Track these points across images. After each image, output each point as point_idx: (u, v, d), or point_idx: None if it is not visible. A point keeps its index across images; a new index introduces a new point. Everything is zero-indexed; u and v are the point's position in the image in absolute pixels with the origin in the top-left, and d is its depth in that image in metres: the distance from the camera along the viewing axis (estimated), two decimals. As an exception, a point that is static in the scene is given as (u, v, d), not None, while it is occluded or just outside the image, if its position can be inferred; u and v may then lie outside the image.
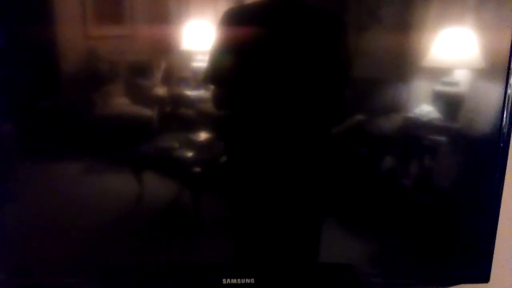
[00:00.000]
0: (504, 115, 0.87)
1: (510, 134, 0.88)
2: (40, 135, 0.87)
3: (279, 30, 0.84)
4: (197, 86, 0.86)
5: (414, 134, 0.90)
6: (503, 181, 0.91)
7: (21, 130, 0.87)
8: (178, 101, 0.88)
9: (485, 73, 0.87)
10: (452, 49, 0.85)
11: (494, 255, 0.95)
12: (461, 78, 0.87)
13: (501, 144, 0.89)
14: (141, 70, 0.87)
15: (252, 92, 0.88)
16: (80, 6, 0.83)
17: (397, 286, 1.01)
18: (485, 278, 0.96)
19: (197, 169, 0.93)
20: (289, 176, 0.91)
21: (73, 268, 0.93)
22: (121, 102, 0.88)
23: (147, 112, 0.89)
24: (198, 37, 0.84)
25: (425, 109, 0.88)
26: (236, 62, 0.85)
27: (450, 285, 0.98)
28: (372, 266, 0.98)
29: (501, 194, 0.91)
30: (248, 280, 0.93)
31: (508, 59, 0.84)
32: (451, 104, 0.88)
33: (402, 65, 0.86)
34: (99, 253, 0.93)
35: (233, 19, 0.82)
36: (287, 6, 0.84)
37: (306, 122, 0.90)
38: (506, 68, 0.84)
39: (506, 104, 0.86)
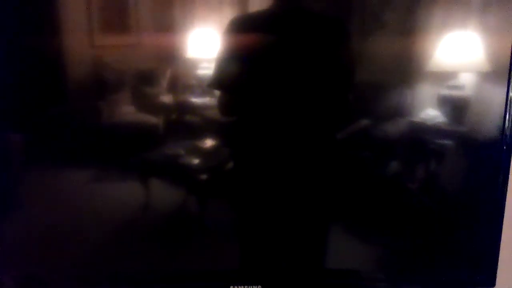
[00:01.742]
0: (507, 118, 0.87)
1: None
2: (48, 143, 0.87)
3: (284, 37, 0.85)
4: (202, 93, 0.87)
5: (420, 138, 0.90)
6: (507, 184, 0.91)
7: (29, 138, 0.87)
8: (183, 108, 0.88)
9: (489, 76, 0.87)
10: (456, 53, 0.86)
11: (500, 259, 0.95)
12: (466, 81, 0.87)
13: (504, 147, 0.89)
14: (147, 78, 0.88)
15: (258, 98, 0.88)
16: (86, 15, 0.83)
17: (402, 291, 1.02)
18: (491, 282, 0.96)
19: (203, 176, 0.94)
20: (295, 181, 0.92)
21: (80, 274, 0.93)
22: (127, 110, 0.88)
23: (153, 119, 0.89)
24: (203, 45, 0.84)
25: (430, 113, 0.88)
26: (243, 68, 0.86)
27: (456, 289, 0.98)
28: (378, 271, 0.98)
29: (505, 197, 0.92)
30: (255, 287, 0.93)
31: (509, 61, 0.85)
32: (456, 107, 0.88)
33: (406, 69, 0.86)
34: (106, 260, 0.93)
35: (240, 27, 0.83)
36: (291, 13, 0.85)
37: (312, 128, 0.90)
38: (508, 70, 0.85)
39: (508, 107, 0.87)
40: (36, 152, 0.88)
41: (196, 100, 0.87)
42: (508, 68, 0.85)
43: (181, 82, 0.88)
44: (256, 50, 0.84)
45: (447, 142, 0.90)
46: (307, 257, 0.98)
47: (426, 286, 0.99)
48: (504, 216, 0.93)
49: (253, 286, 0.93)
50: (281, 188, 0.92)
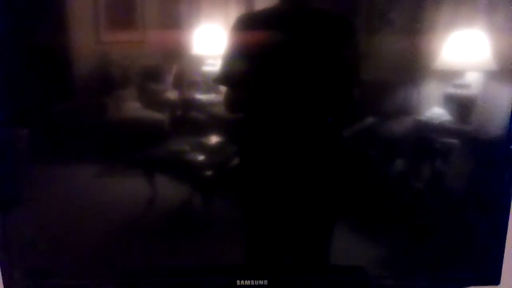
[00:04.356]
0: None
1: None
2: (54, 139, 0.88)
3: (290, 34, 0.85)
4: (208, 90, 0.87)
5: (425, 137, 0.90)
6: (513, 183, 0.91)
7: (35, 135, 0.88)
8: (189, 105, 0.89)
9: (496, 75, 0.87)
10: (463, 52, 0.85)
11: (504, 257, 0.95)
12: (473, 80, 0.87)
13: (510, 146, 0.89)
14: (153, 74, 0.88)
15: (264, 95, 0.88)
16: (93, 12, 0.84)
17: (407, 288, 1.02)
18: (496, 280, 0.96)
19: (209, 173, 0.94)
20: (300, 178, 0.92)
21: (87, 269, 0.94)
22: (133, 107, 0.88)
23: (159, 116, 0.90)
24: (208, 42, 0.84)
25: (436, 111, 0.88)
26: (249, 65, 0.86)
27: (460, 287, 0.98)
28: (383, 268, 0.99)
29: (511, 196, 0.91)
30: (261, 282, 0.93)
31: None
32: (462, 106, 0.88)
33: (413, 67, 0.86)
34: (113, 255, 0.94)
35: (247, 24, 0.83)
36: (298, 11, 0.85)
37: (318, 125, 0.90)
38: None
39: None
40: (43, 148, 0.89)
41: (202, 96, 0.88)
42: (513, 67, 0.84)
43: (187, 79, 0.88)
44: (263, 48, 0.84)
45: (453, 140, 0.90)
46: (313, 253, 0.98)
47: (431, 283, 0.99)
48: (510, 214, 0.93)
49: (260, 281, 0.93)
50: (287, 184, 0.92)
